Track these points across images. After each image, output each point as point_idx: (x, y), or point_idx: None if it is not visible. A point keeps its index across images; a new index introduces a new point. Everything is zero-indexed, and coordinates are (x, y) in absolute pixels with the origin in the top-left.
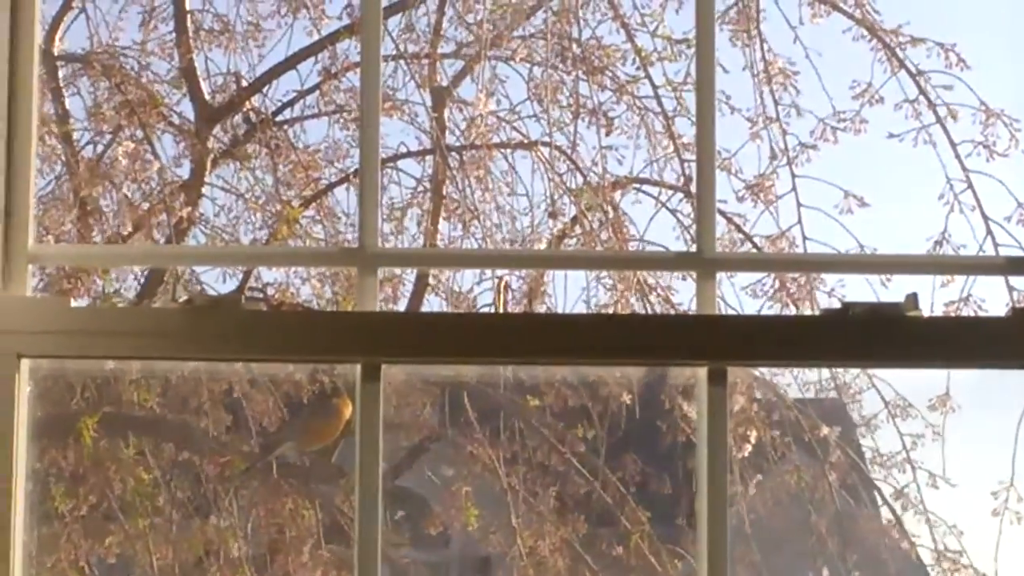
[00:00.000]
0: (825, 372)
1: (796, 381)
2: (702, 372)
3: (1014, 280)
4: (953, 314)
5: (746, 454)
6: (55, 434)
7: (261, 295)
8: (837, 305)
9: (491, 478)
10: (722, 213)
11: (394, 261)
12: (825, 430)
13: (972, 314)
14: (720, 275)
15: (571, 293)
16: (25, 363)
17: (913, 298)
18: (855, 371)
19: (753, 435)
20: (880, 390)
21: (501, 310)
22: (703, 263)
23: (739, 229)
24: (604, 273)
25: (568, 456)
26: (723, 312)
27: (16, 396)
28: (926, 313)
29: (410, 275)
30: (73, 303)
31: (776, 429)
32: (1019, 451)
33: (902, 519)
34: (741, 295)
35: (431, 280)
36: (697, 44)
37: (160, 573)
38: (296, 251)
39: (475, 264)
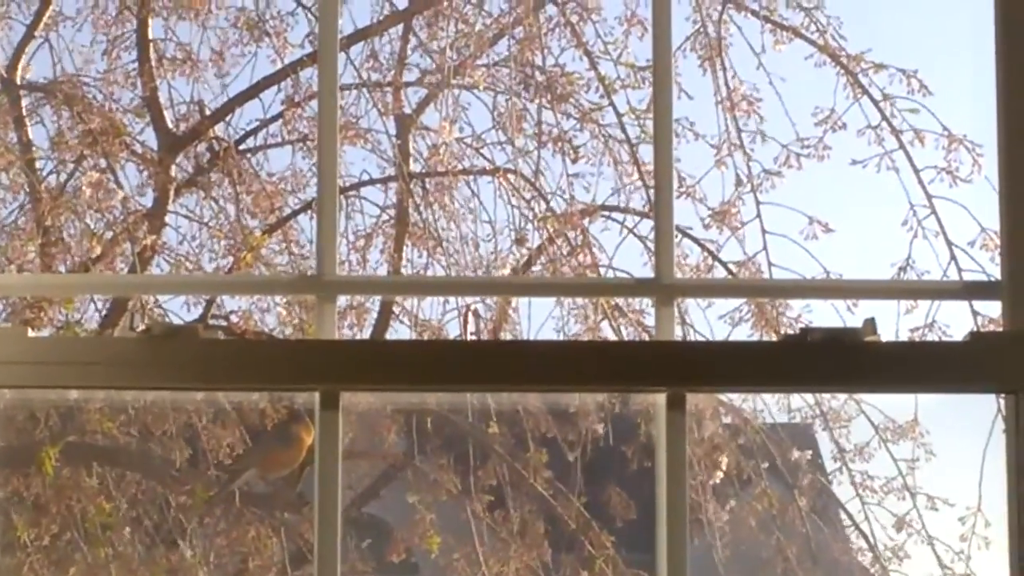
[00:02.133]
0: (809, 398)
1: (777, 405)
2: (661, 398)
3: (978, 305)
4: (918, 339)
5: (718, 480)
6: (18, 463)
7: (224, 324)
8: (797, 333)
9: (456, 506)
10: (694, 239)
11: (354, 289)
12: (796, 454)
13: (937, 339)
14: (694, 303)
15: (538, 318)
16: None
17: (871, 323)
18: (842, 396)
19: (724, 461)
20: (869, 415)
21: (469, 338)
22: (661, 288)
23: (713, 256)
24: (569, 299)
25: (532, 483)
26: (692, 339)
27: None
28: (891, 338)
29: (375, 304)
30: (31, 333)
31: (747, 456)
32: (985, 476)
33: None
34: (719, 323)
35: (397, 309)
36: (655, 70)
37: None
38: (256, 279)
39: (435, 292)
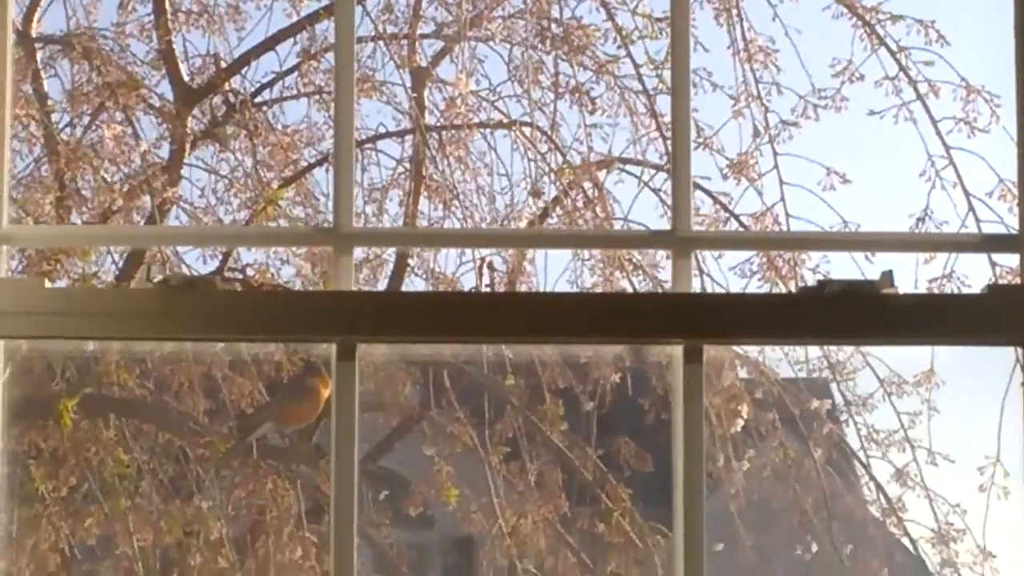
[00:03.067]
0: (817, 351)
1: (787, 359)
2: (678, 350)
3: (996, 256)
4: (936, 291)
5: (738, 429)
6: (35, 415)
7: (240, 276)
8: (815, 284)
9: (473, 458)
10: (707, 192)
11: (370, 241)
12: (815, 403)
13: (955, 291)
14: (706, 254)
15: (554, 271)
16: (1, 344)
17: (889, 276)
18: (848, 349)
19: (745, 410)
20: (875, 368)
21: (483, 291)
22: (678, 241)
23: (725, 208)
24: (586, 252)
25: (549, 435)
26: (708, 291)
27: None
28: (909, 290)
29: (391, 257)
30: (48, 284)
31: (763, 408)
32: (1004, 426)
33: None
34: (730, 275)
35: (412, 262)
36: (672, 20)
37: (141, 554)
38: (272, 231)
39: (451, 243)
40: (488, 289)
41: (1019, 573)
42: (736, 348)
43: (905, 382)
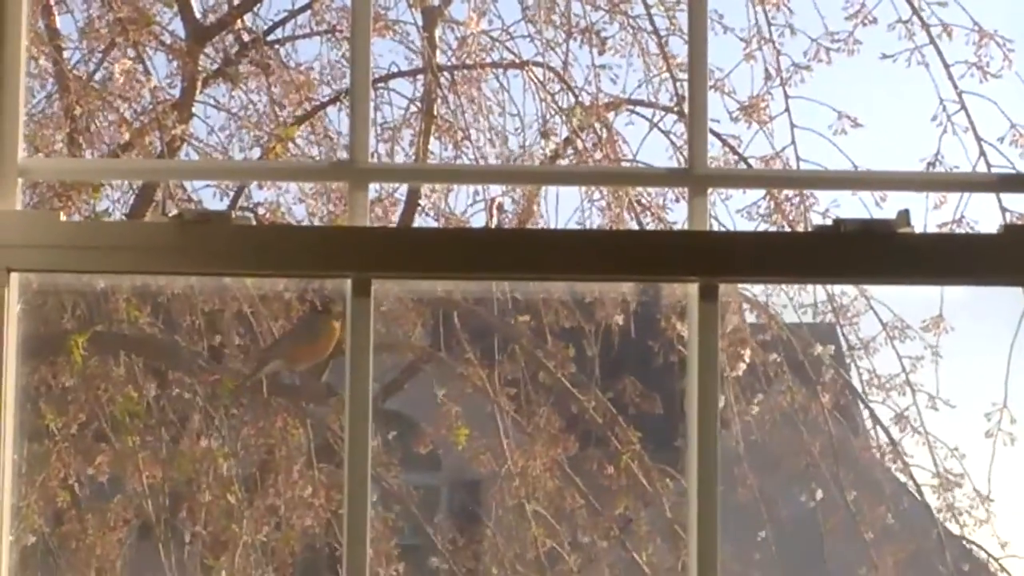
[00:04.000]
0: (821, 294)
1: (792, 303)
2: (693, 288)
3: (1006, 198)
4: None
5: (740, 373)
6: (46, 351)
7: (252, 214)
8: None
9: (481, 399)
10: (717, 135)
11: (385, 176)
12: (819, 348)
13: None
14: (715, 197)
15: (564, 214)
16: (14, 277)
17: (905, 215)
18: (852, 293)
19: (747, 354)
20: (878, 312)
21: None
22: (694, 179)
23: (734, 151)
24: (597, 194)
25: (559, 376)
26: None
27: (5, 310)
28: (919, 232)
29: (402, 196)
30: (63, 217)
31: (769, 350)
32: (1012, 372)
33: (899, 441)
34: (736, 217)
35: (423, 201)
36: None
37: (150, 492)
38: (287, 166)
39: (466, 179)
40: None
41: (1020, 518)
42: (744, 291)
43: (908, 327)
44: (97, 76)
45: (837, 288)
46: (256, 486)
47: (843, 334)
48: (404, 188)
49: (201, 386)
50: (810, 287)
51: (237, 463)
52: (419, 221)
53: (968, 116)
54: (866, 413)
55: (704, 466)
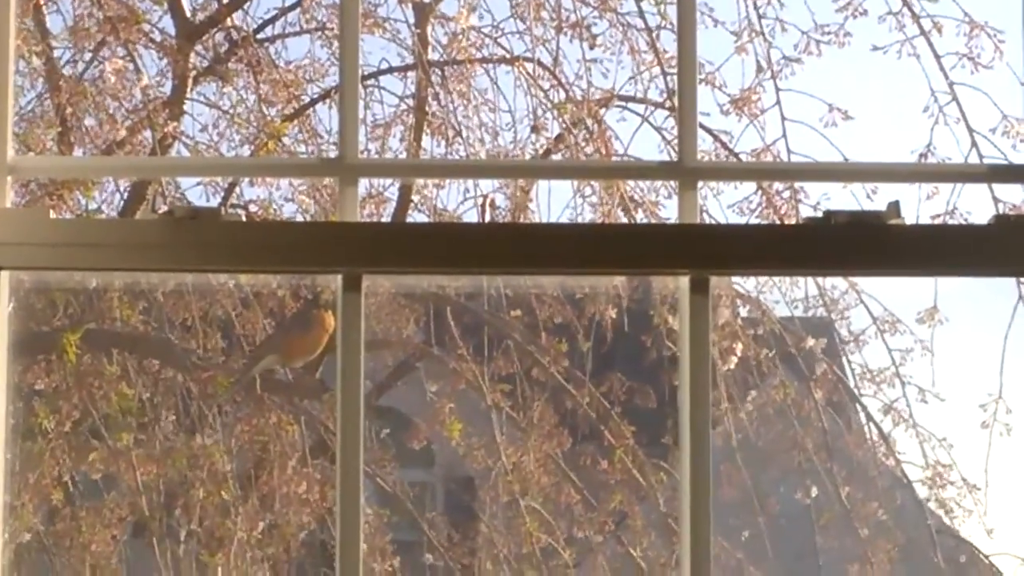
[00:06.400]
0: (813, 288)
1: (784, 298)
2: (684, 281)
3: (998, 189)
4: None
5: (732, 367)
6: (39, 350)
7: (242, 212)
8: (820, 216)
9: (475, 395)
10: (707, 129)
11: (375, 172)
12: (811, 342)
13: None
14: (706, 192)
15: (555, 210)
16: (4, 275)
17: (895, 206)
18: (843, 287)
19: (739, 348)
20: (868, 306)
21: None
22: (684, 172)
23: (724, 146)
24: (589, 191)
25: (552, 371)
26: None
27: None
28: (910, 223)
29: (394, 193)
30: (53, 215)
31: (762, 344)
32: (1007, 363)
33: (889, 434)
34: (728, 213)
35: (415, 197)
36: None
37: (144, 489)
38: (277, 162)
39: (457, 174)
40: None
41: (1014, 508)
42: (736, 286)
43: (900, 320)
44: (87, 74)
45: (828, 282)
46: (251, 483)
47: (835, 328)
48: (395, 187)
49: (195, 383)
50: (801, 281)
51: (231, 460)
52: (411, 216)
53: (960, 107)
54: (858, 407)
55: (697, 459)
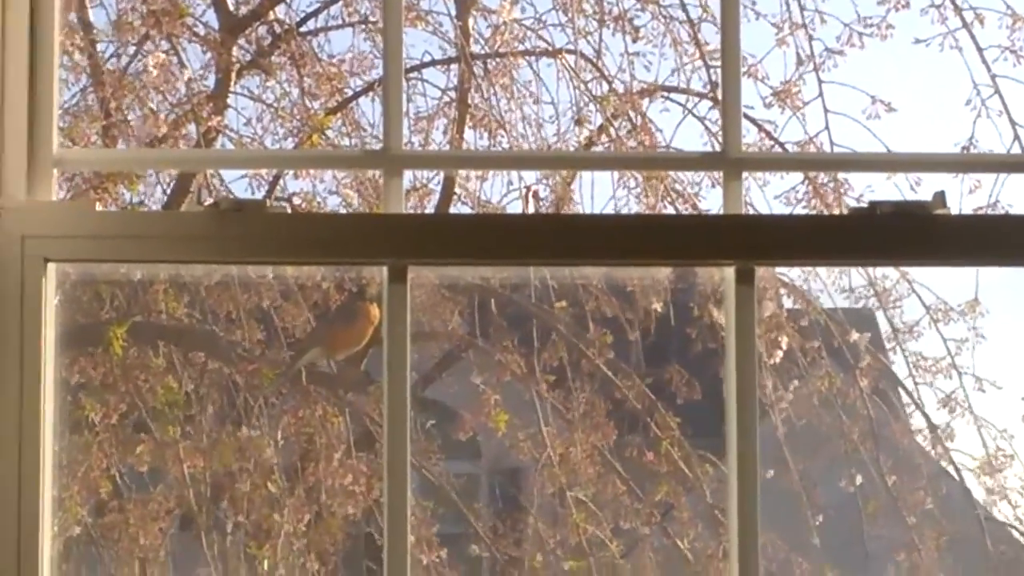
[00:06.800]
0: (859, 279)
1: (831, 288)
2: (729, 272)
3: None
4: None
5: (777, 360)
6: (85, 343)
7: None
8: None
9: (520, 386)
10: (752, 120)
11: (419, 163)
12: (855, 335)
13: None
14: (751, 182)
15: (599, 201)
16: (51, 267)
17: (941, 196)
18: (894, 276)
19: (785, 341)
20: (920, 295)
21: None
22: (729, 162)
23: (769, 136)
24: (632, 182)
25: (598, 363)
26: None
27: (43, 300)
28: (955, 213)
29: (437, 186)
30: (99, 207)
31: (807, 336)
32: None
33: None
34: (774, 203)
35: (458, 190)
36: None
37: (191, 482)
38: (322, 154)
39: (501, 166)
40: None
41: None
42: (782, 276)
43: (952, 308)
44: (131, 69)
45: (878, 272)
46: (297, 475)
47: (888, 318)
48: (439, 179)
49: (240, 375)
50: (848, 272)
51: (277, 452)
52: (454, 210)
53: (1002, 100)
54: (906, 398)
55: (743, 448)
